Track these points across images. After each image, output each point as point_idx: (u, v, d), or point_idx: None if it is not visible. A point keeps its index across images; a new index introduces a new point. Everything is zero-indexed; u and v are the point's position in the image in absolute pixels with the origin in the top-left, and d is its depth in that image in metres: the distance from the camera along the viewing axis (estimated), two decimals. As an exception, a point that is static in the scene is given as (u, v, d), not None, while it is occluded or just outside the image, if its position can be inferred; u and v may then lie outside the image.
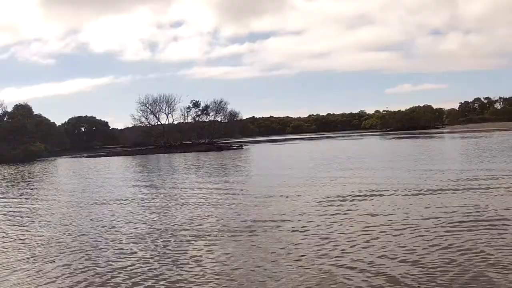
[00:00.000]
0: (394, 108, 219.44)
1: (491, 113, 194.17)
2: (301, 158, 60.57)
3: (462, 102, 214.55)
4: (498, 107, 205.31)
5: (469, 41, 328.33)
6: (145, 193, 31.83)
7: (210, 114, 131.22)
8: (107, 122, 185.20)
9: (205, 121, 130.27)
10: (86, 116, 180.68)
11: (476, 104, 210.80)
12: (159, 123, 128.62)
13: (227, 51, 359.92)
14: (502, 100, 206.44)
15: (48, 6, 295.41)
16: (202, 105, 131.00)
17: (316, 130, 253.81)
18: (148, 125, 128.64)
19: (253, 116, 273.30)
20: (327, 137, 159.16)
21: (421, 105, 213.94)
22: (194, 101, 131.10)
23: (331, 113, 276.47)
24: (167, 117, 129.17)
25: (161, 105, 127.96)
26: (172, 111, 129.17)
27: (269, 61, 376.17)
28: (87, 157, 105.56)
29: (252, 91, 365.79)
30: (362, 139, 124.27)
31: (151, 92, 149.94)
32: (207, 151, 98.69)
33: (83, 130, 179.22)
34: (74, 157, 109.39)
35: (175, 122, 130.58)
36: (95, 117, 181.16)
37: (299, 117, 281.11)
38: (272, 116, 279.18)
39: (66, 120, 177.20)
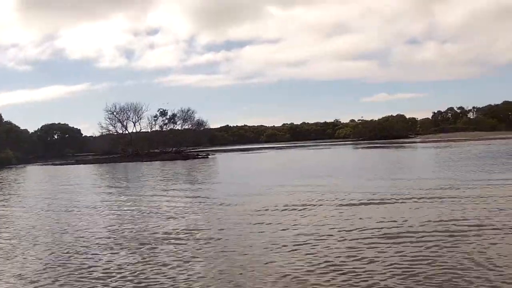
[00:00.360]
0: (369, 117, 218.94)
1: (463, 123, 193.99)
2: (259, 168, 61.83)
3: (435, 111, 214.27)
4: (472, 117, 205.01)
5: (445, 50, 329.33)
6: (101, 200, 33.34)
7: (178, 123, 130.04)
8: (79, 130, 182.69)
9: (174, 129, 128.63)
10: (59, 123, 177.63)
11: (449, 114, 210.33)
12: (126, 131, 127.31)
13: (203, 59, 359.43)
14: (475, 109, 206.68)
15: (25, 11, 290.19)
16: (170, 113, 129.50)
17: (290, 139, 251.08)
18: (116, 134, 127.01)
19: (227, 125, 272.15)
20: (297, 146, 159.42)
21: (395, 114, 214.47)
22: (161, 110, 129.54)
23: (306, 122, 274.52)
24: (134, 126, 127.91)
25: (128, 114, 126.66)
26: (139, 119, 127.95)
27: (245, 69, 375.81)
28: (56, 164, 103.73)
29: (228, 99, 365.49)
30: (330, 148, 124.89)
31: (127, 99, 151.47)
32: (174, 160, 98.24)
33: (56, 137, 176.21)
34: (44, 164, 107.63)
35: (143, 131, 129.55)
36: (67, 124, 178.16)
37: (273, 126, 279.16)
38: (246, 125, 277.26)
39: (39, 127, 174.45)
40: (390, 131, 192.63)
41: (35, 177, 66.08)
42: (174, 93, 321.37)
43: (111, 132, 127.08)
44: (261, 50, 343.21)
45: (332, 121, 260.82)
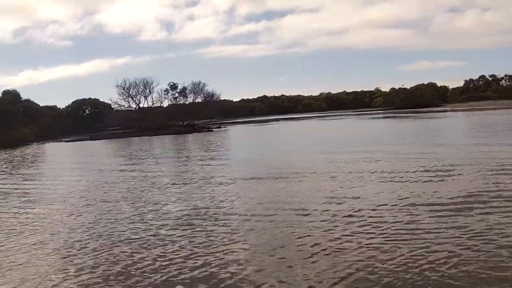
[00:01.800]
0: (410, 85, 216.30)
1: (493, 91, 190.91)
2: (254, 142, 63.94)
3: (467, 79, 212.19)
4: (504, 84, 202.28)
5: (486, 18, 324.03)
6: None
7: (189, 96, 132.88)
8: (110, 104, 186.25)
9: (185, 104, 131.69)
10: (89, 99, 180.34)
11: (481, 82, 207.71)
12: (137, 106, 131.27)
13: (243, 29, 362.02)
14: (507, 77, 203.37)
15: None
16: (180, 87, 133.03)
17: (326, 108, 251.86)
18: (128, 108, 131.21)
19: (264, 95, 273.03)
20: (325, 116, 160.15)
21: (427, 82, 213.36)
22: (172, 83, 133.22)
23: (343, 91, 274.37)
24: (146, 100, 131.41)
25: (139, 88, 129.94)
26: (151, 93, 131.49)
27: (285, 39, 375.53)
28: (69, 141, 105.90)
29: (268, 69, 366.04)
30: (345, 119, 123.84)
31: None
32: (186, 133, 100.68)
33: (87, 112, 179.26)
34: (58, 141, 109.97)
35: (156, 105, 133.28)
36: (98, 99, 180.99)
37: (311, 95, 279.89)
38: (284, 95, 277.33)
39: (70, 103, 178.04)
40: (421, 99, 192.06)
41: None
42: (215, 64, 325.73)
43: (123, 107, 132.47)
44: (301, 20, 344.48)
45: (373, 89, 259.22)
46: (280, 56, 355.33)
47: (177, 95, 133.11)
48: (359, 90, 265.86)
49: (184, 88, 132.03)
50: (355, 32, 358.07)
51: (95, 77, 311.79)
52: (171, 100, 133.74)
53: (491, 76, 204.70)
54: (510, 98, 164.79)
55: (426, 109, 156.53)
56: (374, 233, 14.30)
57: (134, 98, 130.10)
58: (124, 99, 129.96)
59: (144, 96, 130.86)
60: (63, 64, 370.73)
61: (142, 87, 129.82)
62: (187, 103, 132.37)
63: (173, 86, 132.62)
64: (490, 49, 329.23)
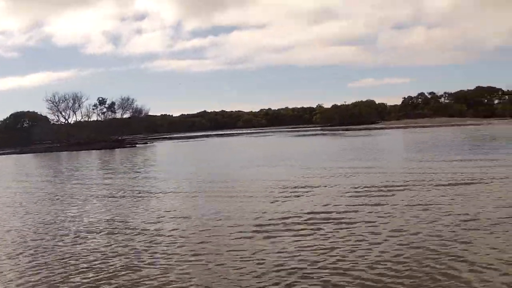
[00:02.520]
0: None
1: (430, 108, 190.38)
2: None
3: (406, 97, 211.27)
4: (444, 102, 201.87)
5: (433, 35, 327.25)
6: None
7: (117, 111, 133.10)
8: (47, 118, 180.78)
9: (116, 118, 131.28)
10: (28, 112, 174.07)
11: (419, 99, 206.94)
12: (66, 121, 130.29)
13: (190, 44, 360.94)
14: (447, 95, 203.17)
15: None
16: (109, 102, 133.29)
17: (266, 124, 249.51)
18: (58, 123, 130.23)
19: (204, 110, 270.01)
20: (257, 132, 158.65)
21: (367, 99, 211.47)
22: (101, 98, 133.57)
23: (283, 108, 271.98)
24: (75, 114, 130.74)
25: (68, 103, 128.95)
26: (80, 108, 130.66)
27: (232, 54, 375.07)
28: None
29: (215, 85, 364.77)
30: (269, 136, 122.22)
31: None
32: (113, 148, 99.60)
33: (25, 125, 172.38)
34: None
35: (84, 119, 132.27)
36: (37, 113, 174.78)
37: (251, 111, 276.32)
38: (224, 110, 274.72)
39: (8, 116, 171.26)
40: (359, 116, 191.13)
41: None
42: (161, 78, 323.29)
43: (53, 121, 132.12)
44: (248, 36, 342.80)
45: (316, 106, 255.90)
46: (227, 71, 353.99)
47: (105, 110, 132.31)
48: (305, 106, 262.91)
49: (113, 103, 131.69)
50: (302, 49, 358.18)
51: (40, 89, 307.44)
52: (99, 115, 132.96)
53: (430, 93, 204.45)
54: (447, 116, 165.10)
55: (361, 126, 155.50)
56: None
57: (63, 113, 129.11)
58: (53, 113, 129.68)
59: (73, 111, 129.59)
60: (10, 75, 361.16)
61: (71, 101, 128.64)
62: (117, 117, 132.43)
63: (102, 101, 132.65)
64: (437, 66, 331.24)
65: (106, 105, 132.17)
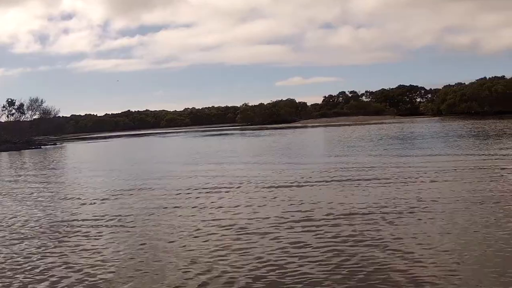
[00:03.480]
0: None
1: (349, 107, 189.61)
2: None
3: (326, 95, 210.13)
4: (365, 100, 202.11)
5: (359, 35, 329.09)
6: None
7: (26, 113, 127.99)
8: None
9: (23, 120, 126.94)
10: None
11: (340, 98, 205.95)
12: None
13: (117, 43, 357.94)
14: (368, 93, 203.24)
15: None
16: (17, 103, 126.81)
17: (190, 123, 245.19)
18: None
19: (128, 110, 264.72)
20: (172, 132, 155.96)
21: (285, 98, 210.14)
22: (9, 100, 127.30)
23: (207, 107, 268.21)
24: None
25: None
26: None
27: (159, 53, 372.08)
28: None
29: (143, 84, 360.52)
30: (175, 137, 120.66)
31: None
32: (20, 149, 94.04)
33: None
34: None
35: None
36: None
37: (175, 110, 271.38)
38: (148, 110, 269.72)
39: None
40: (279, 115, 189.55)
41: None
42: (88, 77, 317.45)
43: None
44: (175, 35, 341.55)
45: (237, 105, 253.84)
46: (154, 70, 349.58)
47: (14, 111, 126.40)
48: (231, 105, 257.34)
49: (21, 105, 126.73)
50: (229, 48, 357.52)
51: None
52: (7, 116, 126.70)
53: (351, 92, 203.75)
54: (366, 114, 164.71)
55: (277, 125, 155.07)
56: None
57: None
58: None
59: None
60: None
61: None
62: (28, 119, 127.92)
63: (11, 103, 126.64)
64: (364, 65, 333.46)
65: (15, 107, 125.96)
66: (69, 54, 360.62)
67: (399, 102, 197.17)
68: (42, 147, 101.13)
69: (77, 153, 73.48)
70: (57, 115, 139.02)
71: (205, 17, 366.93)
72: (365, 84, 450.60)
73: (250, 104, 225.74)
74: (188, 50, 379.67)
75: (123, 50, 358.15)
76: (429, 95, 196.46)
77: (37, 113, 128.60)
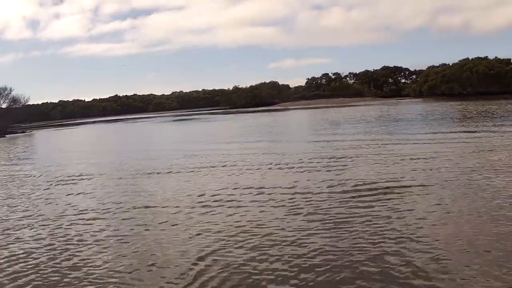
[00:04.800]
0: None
1: (330, 89, 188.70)
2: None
3: (309, 77, 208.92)
4: (350, 82, 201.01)
5: (351, 16, 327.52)
6: None
7: None
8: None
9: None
10: None
11: (323, 80, 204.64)
12: None
13: (109, 27, 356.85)
14: (352, 75, 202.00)
15: None
16: None
17: (178, 107, 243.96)
18: None
19: (116, 95, 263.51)
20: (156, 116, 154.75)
21: (270, 81, 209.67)
22: None
23: (195, 90, 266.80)
24: None
25: None
26: None
27: (151, 37, 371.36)
28: None
29: (134, 67, 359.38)
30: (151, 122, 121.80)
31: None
32: None
33: None
34: None
35: None
36: None
37: (163, 94, 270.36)
38: (136, 94, 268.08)
39: None
40: (261, 98, 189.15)
41: None
42: (80, 63, 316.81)
43: None
44: (166, 18, 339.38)
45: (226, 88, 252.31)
46: (146, 54, 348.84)
47: None
48: (220, 88, 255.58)
49: None
50: (221, 30, 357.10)
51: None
52: None
53: (334, 74, 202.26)
54: (346, 96, 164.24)
55: (255, 109, 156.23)
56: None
57: None
58: None
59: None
60: None
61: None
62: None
63: None
64: (358, 46, 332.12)
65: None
66: (60, 39, 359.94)
67: (383, 84, 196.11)
68: (6, 135, 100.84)
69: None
70: (26, 103, 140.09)
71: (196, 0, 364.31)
72: (357, 65, 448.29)
73: (240, 87, 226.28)
74: (180, 33, 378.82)
75: (115, 34, 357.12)
76: (414, 76, 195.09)
77: (5, 101, 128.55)
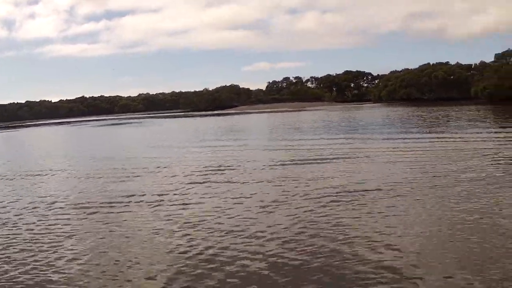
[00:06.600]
0: (250, 85, 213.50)
1: (290, 93, 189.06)
2: None
3: (270, 81, 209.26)
4: (312, 86, 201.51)
5: (326, 20, 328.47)
6: None
7: None
8: None
9: None
10: None
11: (284, 84, 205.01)
12: None
13: (83, 28, 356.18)
14: (314, 79, 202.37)
15: None
16: None
17: (144, 109, 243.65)
18: None
19: (83, 96, 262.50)
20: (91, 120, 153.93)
21: (231, 84, 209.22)
22: None
23: (161, 92, 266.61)
24: None
25: None
26: None
27: (126, 38, 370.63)
28: None
29: (109, 69, 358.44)
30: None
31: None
32: None
33: None
34: None
35: None
36: None
37: (129, 96, 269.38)
38: (103, 95, 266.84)
39: None
40: (221, 101, 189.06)
41: None
42: (54, 63, 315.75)
43: None
44: (141, 20, 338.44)
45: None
46: (120, 55, 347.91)
47: None
48: (186, 90, 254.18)
49: None
50: (197, 33, 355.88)
51: None
52: None
53: (295, 78, 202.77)
54: (304, 100, 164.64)
55: (209, 112, 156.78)
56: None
57: None
58: None
59: None
60: None
61: None
62: None
63: None
64: (330, 49, 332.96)
65: None
66: (35, 40, 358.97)
67: (345, 88, 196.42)
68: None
69: None
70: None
71: (172, 2, 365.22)
72: (331, 68, 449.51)
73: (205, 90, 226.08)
74: (155, 35, 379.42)
75: (89, 35, 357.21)
76: (377, 81, 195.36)
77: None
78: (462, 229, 12.57)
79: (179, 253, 11.92)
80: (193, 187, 20.76)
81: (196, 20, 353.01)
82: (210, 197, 18.54)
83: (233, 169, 25.42)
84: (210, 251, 11.93)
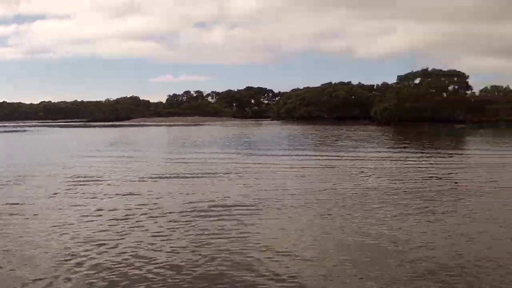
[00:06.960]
0: (155, 98, 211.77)
1: (190, 107, 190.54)
2: None
3: (171, 94, 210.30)
4: (213, 101, 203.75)
5: (234, 35, 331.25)
6: None
7: None
8: None
9: None
10: None
11: (185, 97, 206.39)
12: None
13: None
14: (215, 94, 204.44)
15: None
16: None
17: (44, 117, 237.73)
18: None
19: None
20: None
21: (131, 95, 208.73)
22: None
23: (63, 101, 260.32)
24: None
25: None
26: None
27: (34, 44, 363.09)
28: None
29: (14, 74, 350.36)
30: None
31: None
32: None
33: None
34: None
35: None
36: None
37: (31, 103, 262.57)
38: (6, 101, 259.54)
39: None
40: (120, 112, 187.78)
41: None
42: None
43: None
44: (50, 26, 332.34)
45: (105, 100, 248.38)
46: (29, 61, 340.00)
47: None
48: (87, 100, 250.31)
49: None
50: (104, 42, 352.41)
51: None
52: None
53: (196, 92, 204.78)
54: (203, 115, 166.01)
55: (101, 123, 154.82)
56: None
57: None
58: None
59: None
60: None
61: None
62: None
63: None
64: (236, 65, 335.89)
65: None
66: None
67: (246, 104, 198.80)
68: None
69: None
70: None
71: (81, 10, 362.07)
72: (236, 83, 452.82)
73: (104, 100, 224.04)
74: (62, 42, 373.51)
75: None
76: (277, 98, 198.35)
77: None
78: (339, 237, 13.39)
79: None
80: (51, 197, 19.96)
81: (105, 29, 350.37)
82: (59, 209, 17.48)
83: (103, 181, 24.70)
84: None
